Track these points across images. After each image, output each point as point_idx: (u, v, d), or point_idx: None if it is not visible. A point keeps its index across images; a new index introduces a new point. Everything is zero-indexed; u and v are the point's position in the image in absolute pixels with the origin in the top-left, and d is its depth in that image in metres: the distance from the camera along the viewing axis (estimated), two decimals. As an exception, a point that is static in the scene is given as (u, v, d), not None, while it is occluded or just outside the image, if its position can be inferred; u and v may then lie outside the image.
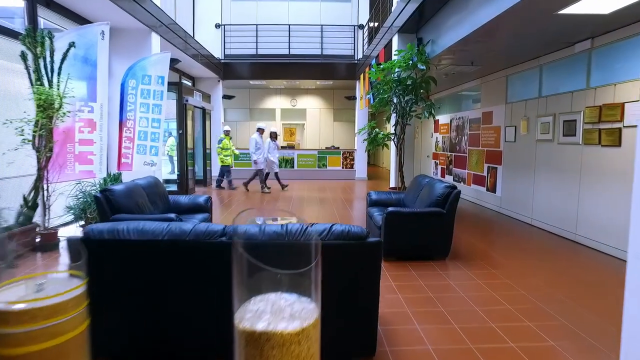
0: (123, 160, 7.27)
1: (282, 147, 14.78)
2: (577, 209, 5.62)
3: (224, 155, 11.14)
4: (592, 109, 5.30)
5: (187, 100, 9.81)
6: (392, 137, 7.21)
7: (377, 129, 7.44)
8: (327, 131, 16.49)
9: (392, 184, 8.00)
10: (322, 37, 13.89)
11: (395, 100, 6.98)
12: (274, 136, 10.97)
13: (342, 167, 13.78)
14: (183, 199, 5.60)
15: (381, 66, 6.84)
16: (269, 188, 10.65)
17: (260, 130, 10.79)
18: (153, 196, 5.07)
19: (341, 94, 15.86)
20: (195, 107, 10.89)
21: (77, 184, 5.96)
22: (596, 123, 5.24)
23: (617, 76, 4.97)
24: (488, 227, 6.80)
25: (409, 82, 6.69)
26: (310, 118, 16.50)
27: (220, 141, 11.21)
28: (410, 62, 6.49)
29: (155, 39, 7.74)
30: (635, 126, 4.68)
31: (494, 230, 6.57)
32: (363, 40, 13.48)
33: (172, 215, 4.21)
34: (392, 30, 8.01)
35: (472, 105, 9.26)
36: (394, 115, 7.26)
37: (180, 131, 9.86)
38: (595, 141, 5.25)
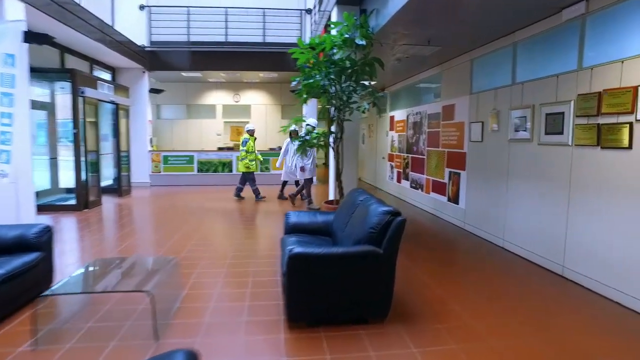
0: (-39, 169, 5.28)
1: (220, 149, 12.94)
2: (566, 233, 4.16)
3: (249, 160, 8.98)
4: (588, 97, 3.83)
5: (83, 92, 7.84)
6: (329, 137, 5.60)
7: (310, 126, 5.79)
8: (275, 129, 14.68)
9: (331, 196, 6.38)
10: (264, 22, 12.13)
11: (333, 90, 5.34)
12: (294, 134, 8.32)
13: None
14: (1, 231, 3.74)
15: (308, 43, 5.17)
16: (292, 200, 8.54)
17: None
18: None
19: (289, 87, 14.14)
20: (101, 101, 8.90)
21: None
22: (593, 116, 3.78)
23: (625, 49, 3.51)
24: (448, 252, 5.27)
25: (347, 63, 5.08)
26: (256, 115, 14.69)
27: (244, 143, 9.01)
28: (347, 35, 4.87)
29: (12, 4, 5.74)
30: (654, 120, 3.22)
31: (456, 259, 5.05)
32: (311, 26, 11.82)
33: None
34: (330, 2, 6.38)
35: (432, 98, 7.78)
36: (331, 109, 5.62)
37: (75, 130, 7.87)
38: (592, 141, 3.78)
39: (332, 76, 5.07)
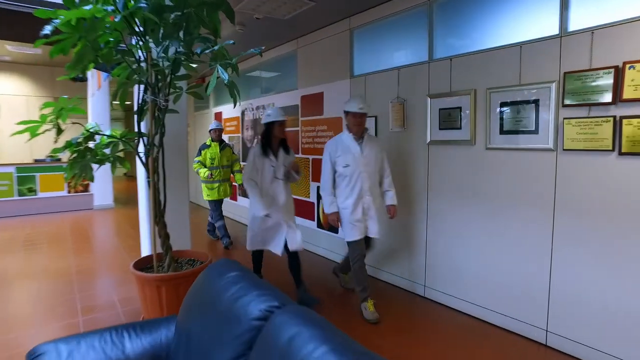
0: None
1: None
2: (550, 282, 2.73)
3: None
4: (587, 76, 2.42)
5: None
6: (136, 143, 2.97)
7: (93, 126, 3.01)
8: (45, 135, 10.42)
9: (145, 250, 3.63)
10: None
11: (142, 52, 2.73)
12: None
13: (69, 192, 8.34)
14: None
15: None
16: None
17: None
18: None
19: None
20: None
21: None
22: (603, 105, 2.38)
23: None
24: (346, 316, 3.35)
25: (167, 1, 2.61)
26: (8, 112, 10.07)
27: (200, 151, 5.52)
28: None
29: None
30: None
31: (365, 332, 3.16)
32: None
33: None
34: None
35: (283, 86, 5.80)
36: (140, 91, 2.97)
37: None
38: (604, 144, 2.39)
39: (137, 22, 2.52)
